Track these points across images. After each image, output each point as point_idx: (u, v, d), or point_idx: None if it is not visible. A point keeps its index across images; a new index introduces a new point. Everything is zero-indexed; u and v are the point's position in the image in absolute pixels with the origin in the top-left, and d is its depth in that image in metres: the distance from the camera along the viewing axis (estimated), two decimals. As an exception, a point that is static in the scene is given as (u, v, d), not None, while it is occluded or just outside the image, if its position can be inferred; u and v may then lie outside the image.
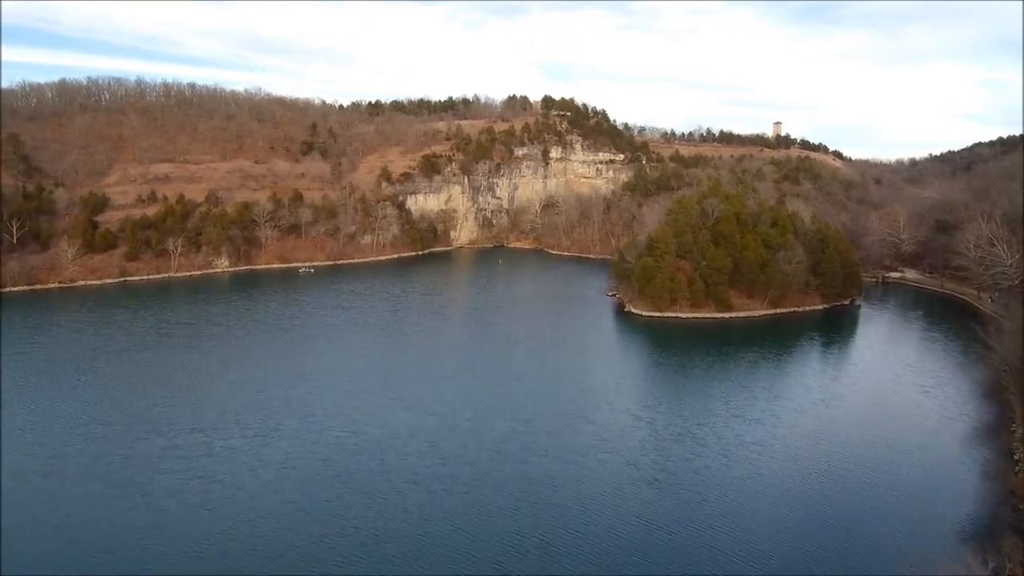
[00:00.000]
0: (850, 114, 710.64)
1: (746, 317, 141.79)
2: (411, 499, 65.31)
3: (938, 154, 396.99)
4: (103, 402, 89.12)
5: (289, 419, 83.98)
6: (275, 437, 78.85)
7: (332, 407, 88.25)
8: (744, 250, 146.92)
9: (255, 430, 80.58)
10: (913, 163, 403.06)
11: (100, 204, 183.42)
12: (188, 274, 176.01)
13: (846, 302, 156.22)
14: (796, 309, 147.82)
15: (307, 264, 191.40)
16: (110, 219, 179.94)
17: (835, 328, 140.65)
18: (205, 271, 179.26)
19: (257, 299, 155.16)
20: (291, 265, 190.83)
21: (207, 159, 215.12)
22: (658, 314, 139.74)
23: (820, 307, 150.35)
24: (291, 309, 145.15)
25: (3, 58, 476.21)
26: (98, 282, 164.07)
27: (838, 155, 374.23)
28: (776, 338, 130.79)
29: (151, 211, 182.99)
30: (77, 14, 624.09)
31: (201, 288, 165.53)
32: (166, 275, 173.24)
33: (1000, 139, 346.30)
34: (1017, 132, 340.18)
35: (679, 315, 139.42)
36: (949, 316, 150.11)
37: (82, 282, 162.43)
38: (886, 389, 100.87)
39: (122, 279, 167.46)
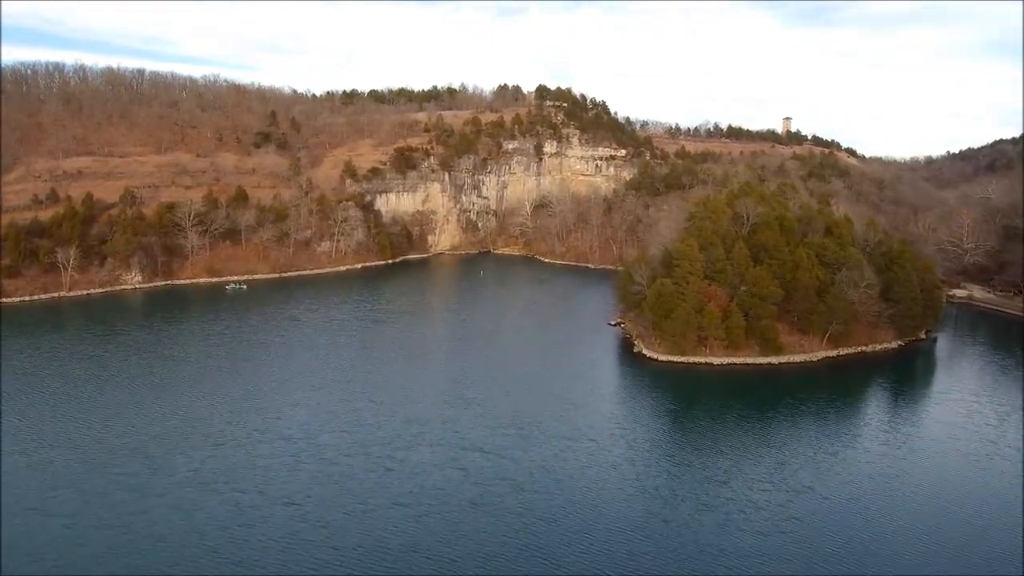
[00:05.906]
0: (847, 113, 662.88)
1: (802, 363, 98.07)
2: None
3: (956, 152, 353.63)
4: None
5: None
6: None
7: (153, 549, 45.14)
8: (795, 269, 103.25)
9: None
10: (930, 161, 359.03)
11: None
12: (86, 293, 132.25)
13: (921, 335, 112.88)
14: (864, 348, 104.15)
15: (237, 279, 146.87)
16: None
17: (914, 375, 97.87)
18: (109, 288, 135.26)
19: (157, 328, 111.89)
20: (223, 279, 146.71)
21: (137, 152, 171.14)
22: (681, 359, 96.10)
23: (894, 344, 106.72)
24: (187, 347, 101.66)
25: (3, 58, 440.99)
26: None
27: (851, 152, 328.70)
28: (852, 397, 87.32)
29: (46, 214, 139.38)
30: (78, 14, 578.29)
31: (96, 312, 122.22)
32: (56, 295, 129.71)
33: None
34: (1016, 133, 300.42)
35: (711, 361, 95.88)
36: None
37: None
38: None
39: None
